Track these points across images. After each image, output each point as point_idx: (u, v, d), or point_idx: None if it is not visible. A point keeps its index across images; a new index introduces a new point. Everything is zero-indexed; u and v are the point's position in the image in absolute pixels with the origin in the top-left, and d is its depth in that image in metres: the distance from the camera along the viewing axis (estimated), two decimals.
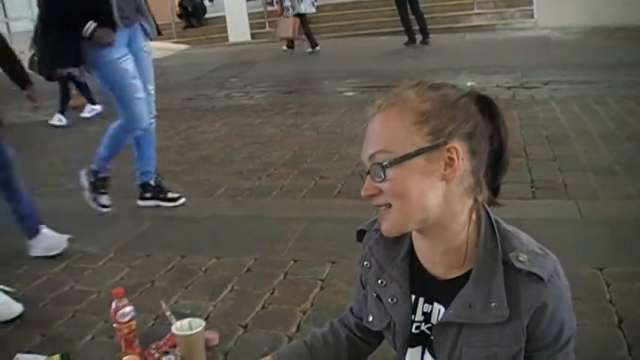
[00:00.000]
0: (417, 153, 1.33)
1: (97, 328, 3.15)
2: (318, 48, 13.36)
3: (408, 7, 12.29)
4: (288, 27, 13.30)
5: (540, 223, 3.87)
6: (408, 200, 1.35)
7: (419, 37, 12.47)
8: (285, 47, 13.97)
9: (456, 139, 1.35)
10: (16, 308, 3.34)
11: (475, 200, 1.42)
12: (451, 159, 1.35)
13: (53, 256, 4.07)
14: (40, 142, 7.94)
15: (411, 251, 1.53)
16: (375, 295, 1.58)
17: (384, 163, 1.34)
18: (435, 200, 1.35)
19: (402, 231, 1.43)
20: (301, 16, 13.18)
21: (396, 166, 1.33)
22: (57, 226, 4.70)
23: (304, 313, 3.15)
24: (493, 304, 1.36)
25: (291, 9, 13.12)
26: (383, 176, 1.34)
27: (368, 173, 1.38)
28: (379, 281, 1.56)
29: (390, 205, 1.37)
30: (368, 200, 1.40)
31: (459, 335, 1.41)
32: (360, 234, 1.66)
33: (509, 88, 8.27)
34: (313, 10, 13.57)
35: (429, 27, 12.67)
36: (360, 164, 1.43)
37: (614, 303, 2.97)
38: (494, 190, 1.48)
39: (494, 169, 1.45)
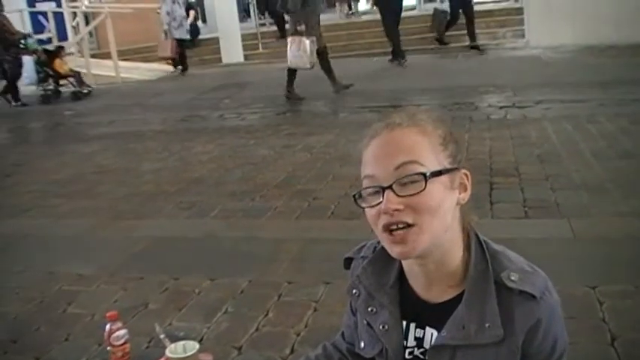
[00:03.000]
0: (447, 171, 1.36)
1: (91, 351, 3.13)
2: (187, 72, 15.36)
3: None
4: (166, 47, 15.15)
5: (533, 242, 3.89)
6: (437, 216, 1.34)
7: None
8: (173, 69, 15.94)
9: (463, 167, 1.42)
10: None
11: (465, 227, 1.45)
12: (462, 185, 1.41)
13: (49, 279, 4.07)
14: (34, 163, 7.94)
15: (401, 277, 1.53)
16: (365, 322, 1.56)
17: (427, 173, 1.32)
18: (450, 222, 1.38)
19: (427, 250, 1.37)
20: (179, 41, 15.09)
21: (433, 179, 1.33)
22: (51, 248, 4.71)
23: (298, 334, 3.14)
24: (487, 325, 1.36)
25: (168, 33, 15.00)
26: (424, 186, 1.32)
27: (388, 188, 1.33)
28: (369, 309, 1.54)
29: (410, 225, 1.33)
30: (389, 216, 1.34)
31: (453, 358, 1.40)
32: (347, 262, 1.65)
33: (501, 107, 8.31)
34: (187, 36, 15.53)
35: (421, 47, 12.78)
36: (354, 186, 1.42)
37: (607, 321, 2.98)
38: None
39: None
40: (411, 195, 1.32)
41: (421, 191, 1.32)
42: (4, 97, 13.08)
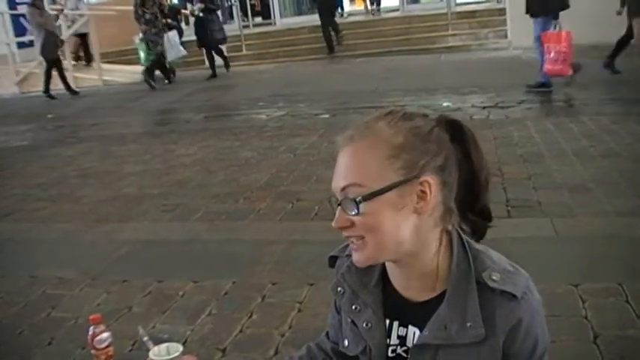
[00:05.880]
0: (390, 188, 1.34)
1: (75, 354, 3.12)
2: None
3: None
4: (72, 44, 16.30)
5: (516, 241, 3.90)
6: (381, 234, 1.35)
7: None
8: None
9: (428, 172, 1.35)
10: None
11: (445, 227, 1.43)
12: (423, 192, 1.36)
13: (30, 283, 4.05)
14: (16, 166, 7.89)
15: (384, 276, 1.53)
16: (349, 320, 1.57)
17: (357, 199, 1.33)
18: (408, 232, 1.37)
19: (374, 262, 1.43)
20: (82, 35, 16.22)
21: (368, 202, 1.33)
22: (33, 251, 4.69)
23: (282, 336, 3.14)
24: (469, 324, 1.36)
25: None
26: (356, 211, 1.34)
27: (339, 204, 1.37)
28: (353, 307, 1.55)
29: (362, 237, 1.37)
30: (340, 231, 1.39)
31: (435, 357, 1.41)
32: (332, 260, 1.65)
33: (484, 107, 8.34)
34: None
35: (405, 48, 12.86)
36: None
37: (589, 319, 3.00)
38: (482, 212, 1.48)
39: (472, 193, 1.46)
40: (351, 216, 1.36)
41: (355, 214, 1.35)
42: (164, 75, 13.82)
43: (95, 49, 15.38)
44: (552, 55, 8.67)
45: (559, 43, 8.63)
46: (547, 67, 8.75)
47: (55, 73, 13.87)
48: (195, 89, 12.88)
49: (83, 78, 15.49)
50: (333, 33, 15.82)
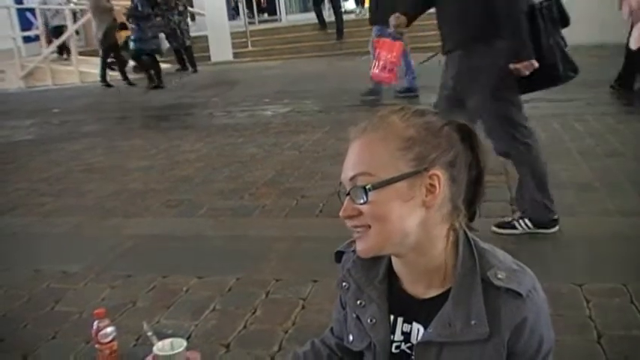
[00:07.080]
0: (400, 178, 1.35)
1: (79, 349, 3.13)
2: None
3: (328, 5, 16.74)
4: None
5: (520, 239, 3.91)
6: (388, 224, 1.37)
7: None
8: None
9: (437, 166, 1.37)
10: None
11: (452, 225, 1.44)
12: (432, 186, 1.37)
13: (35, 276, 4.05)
14: (21, 160, 7.91)
15: (390, 272, 1.54)
16: (354, 315, 1.58)
17: (367, 186, 1.35)
18: (414, 225, 1.38)
19: (378, 253, 1.44)
20: (56, 29, 16.57)
21: (378, 190, 1.35)
22: (37, 245, 4.70)
23: (286, 332, 3.14)
24: (473, 322, 1.37)
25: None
26: (365, 199, 1.36)
27: (348, 194, 1.39)
28: (358, 302, 1.56)
29: (368, 227, 1.39)
30: (346, 221, 1.41)
31: (440, 354, 1.41)
32: (338, 255, 1.66)
33: None
34: (65, 22, 16.54)
35: (411, 45, 12.80)
36: (341, 184, 1.43)
37: (593, 319, 3.00)
38: (471, 216, 1.50)
39: (471, 196, 1.48)
40: (360, 204, 1.38)
41: (364, 202, 1.37)
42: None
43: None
44: (382, 62, 8.67)
45: (391, 52, 8.63)
46: (374, 71, 8.76)
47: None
48: (200, 85, 12.89)
49: (88, 73, 15.49)
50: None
